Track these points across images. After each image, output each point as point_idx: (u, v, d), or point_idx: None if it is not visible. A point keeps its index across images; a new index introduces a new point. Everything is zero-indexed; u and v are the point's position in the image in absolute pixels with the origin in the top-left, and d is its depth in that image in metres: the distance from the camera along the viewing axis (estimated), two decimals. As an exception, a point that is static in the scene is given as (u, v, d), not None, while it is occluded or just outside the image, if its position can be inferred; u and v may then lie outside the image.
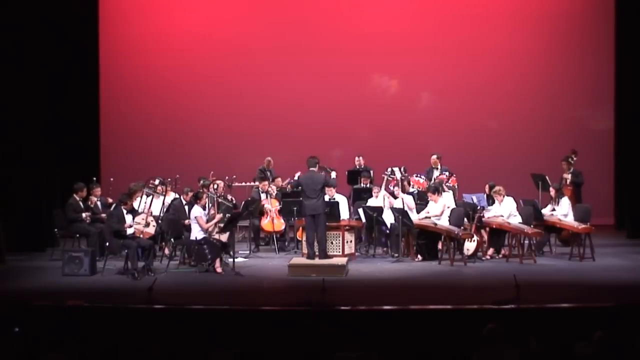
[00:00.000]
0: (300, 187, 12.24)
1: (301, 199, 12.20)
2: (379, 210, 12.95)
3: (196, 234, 11.69)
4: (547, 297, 9.47)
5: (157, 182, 13.02)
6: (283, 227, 13.76)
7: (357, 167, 14.84)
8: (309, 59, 16.61)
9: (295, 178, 13.27)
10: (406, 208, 12.71)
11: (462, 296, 9.85)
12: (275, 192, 13.93)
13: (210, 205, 12.17)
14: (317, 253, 11.90)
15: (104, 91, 16.55)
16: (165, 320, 8.71)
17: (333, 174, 12.72)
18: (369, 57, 16.57)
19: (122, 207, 11.57)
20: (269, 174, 14.48)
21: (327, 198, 12.51)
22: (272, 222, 13.58)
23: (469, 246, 12.52)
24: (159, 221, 12.16)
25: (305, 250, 12.27)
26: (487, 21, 16.54)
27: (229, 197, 13.42)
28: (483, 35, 16.51)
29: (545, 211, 12.91)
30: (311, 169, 12.12)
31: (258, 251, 13.63)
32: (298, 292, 10.03)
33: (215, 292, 10.44)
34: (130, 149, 16.57)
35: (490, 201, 13.06)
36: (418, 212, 12.86)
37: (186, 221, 12.26)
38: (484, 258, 12.63)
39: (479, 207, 12.79)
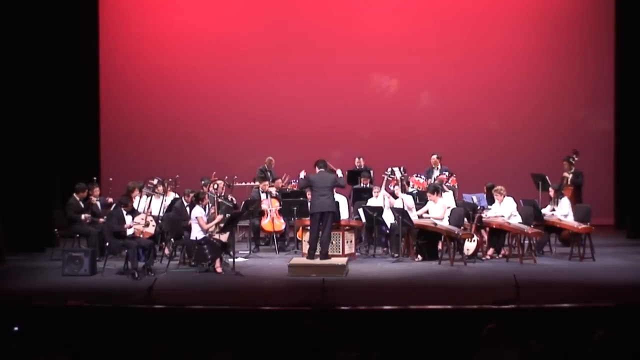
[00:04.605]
0: (310, 186, 12.07)
1: (304, 198, 12.16)
2: (379, 210, 12.95)
3: (196, 234, 11.69)
4: (547, 297, 9.47)
5: (155, 181, 13.03)
6: (283, 227, 13.75)
7: (357, 167, 14.84)
8: (308, 59, 16.60)
9: (301, 176, 13.27)
10: (406, 208, 12.71)
11: (462, 296, 9.85)
12: (275, 192, 13.93)
13: (210, 205, 12.17)
14: (317, 253, 11.88)
15: (104, 91, 16.55)
16: (165, 320, 8.71)
17: (338, 172, 12.60)
18: (369, 57, 16.56)
19: (123, 209, 11.57)
20: (269, 174, 14.47)
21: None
22: (272, 222, 13.58)
23: (469, 246, 12.52)
24: (159, 221, 12.16)
25: (305, 250, 12.27)
26: (487, 21, 16.54)
27: (229, 197, 13.43)
28: (483, 36, 16.51)
29: (545, 211, 12.91)
30: (320, 169, 12.10)
31: (258, 251, 13.62)
32: (298, 292, 10.04)
33: (215, 292, 10.44)
34: (130, 149, 16.56)
35: (490, 201, 13.06)
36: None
37: (189, 222, 12.21)
38: (484, 258, 12.63)
39: (479, 207, 12.79)
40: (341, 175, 12.49)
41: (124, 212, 11.55)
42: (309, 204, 12.40)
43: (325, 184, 11.88)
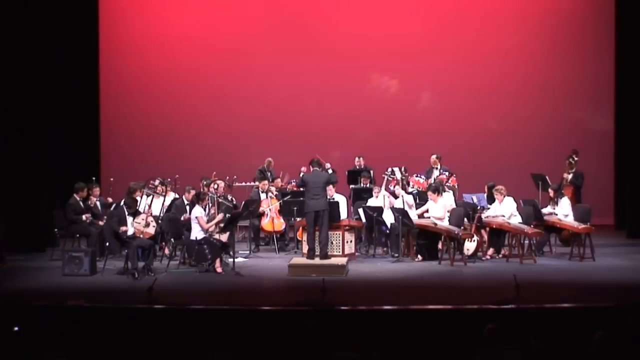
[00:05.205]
0: (305, 186, 12.18)
1: (303, 197, 12.21)
2: (379, 210, 12.95)
3: (196, 234, 11.69)
4: (547, 297, 9.47)
5: (157, 182, 13.03)
6: (283, 227, 13.76)
7: (357, 167, 14.84)
8: (308, 60, 16.61)
9: (303, 170, 13.40)
10: (406, 206, 12.71)
11: (462, 296, 9.86)
12: (275, 192, 13.93)
13: (210, 205, 12.18)
14: (317, 253, 11.89)
15: (104, 91, 16.55)
16: (165, 320, 8.71)
17: (327, 165, 12.65)
18: (368, 57, 16.57)
19: (127, 210, 11.55)
20: (269, 174, 14.48)
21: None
22: (272, 222, 13.58)
23: (469, 246, 12.52)
24: (159, 221, 12.17)
25: (305, 250, 12.27)
26: (488, 22, 16.54)
27: (229, 197, 13.43)
28: (483, 36, 16.51)
29: (545, 211, 12.91)
30: (314, 168, 12.15)
31: (258, 251, 13.63)
32: (298, 292, 10.04)
33: (215, 292, 10.44)
34: (130, 149, 16.57)
35: (491, 200, 13.06)
36: (417, 211, 12.89)
37: (184, 216, 12.27)
38: (484, 258, 12.63)
39: (479, 207, 12.79)
40: (331, 170, 12.51)
41: (126, 213, 11.54)
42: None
43: (318, 183, 11.97)
